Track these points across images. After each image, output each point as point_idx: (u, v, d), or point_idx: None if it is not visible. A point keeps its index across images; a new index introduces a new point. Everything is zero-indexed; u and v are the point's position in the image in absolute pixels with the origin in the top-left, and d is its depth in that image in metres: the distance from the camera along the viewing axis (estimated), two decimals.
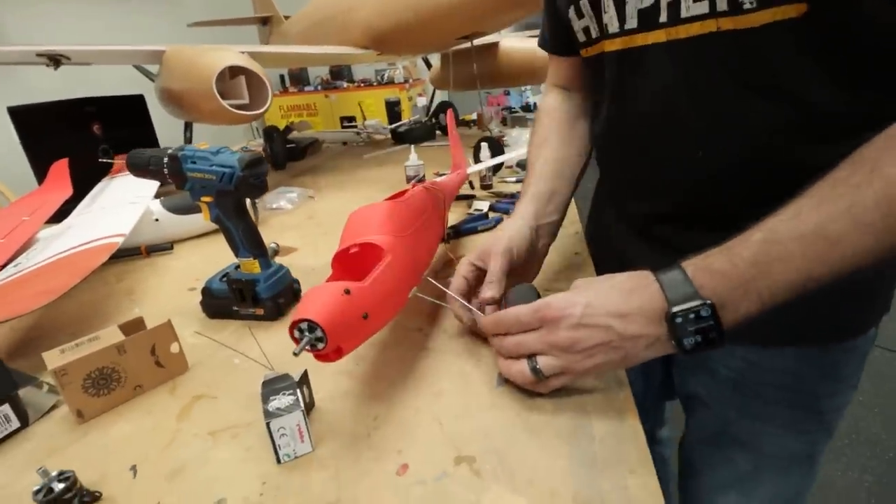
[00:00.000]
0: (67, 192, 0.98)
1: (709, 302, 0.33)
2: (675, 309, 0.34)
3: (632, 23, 0.45)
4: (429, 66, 1.94)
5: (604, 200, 0.66)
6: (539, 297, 0.45)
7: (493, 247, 0.50)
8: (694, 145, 0.45)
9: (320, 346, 0.36)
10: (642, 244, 0.56)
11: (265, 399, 0.37)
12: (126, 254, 0.84)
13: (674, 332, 0.34)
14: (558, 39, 0.61)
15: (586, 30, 0.52)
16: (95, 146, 1.20)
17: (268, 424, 0.35)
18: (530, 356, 0.39)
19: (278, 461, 0.37)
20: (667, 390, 0.71)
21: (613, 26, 0.47)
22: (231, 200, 0.54)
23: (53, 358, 0.43)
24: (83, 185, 1.03)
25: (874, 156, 0.31)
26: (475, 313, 0.48)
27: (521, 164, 1.17)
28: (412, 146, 1.09)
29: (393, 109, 1.97)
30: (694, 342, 0.34)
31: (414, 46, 1.38)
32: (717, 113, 0.43)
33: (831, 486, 1.34)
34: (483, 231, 0.81)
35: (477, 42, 1.26)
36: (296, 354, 0.35)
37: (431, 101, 1.99)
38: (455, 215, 0.91)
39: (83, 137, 1.19)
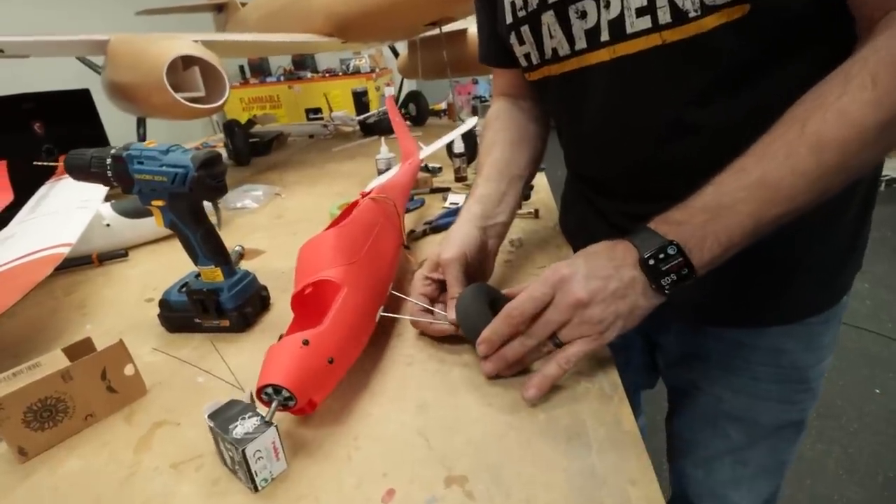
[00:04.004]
0: (7, 197, 0.89)
1: (674, 241, 0.36)
2: (646, 255, 0.37)
3: (581, 44, 0.45)
4: (396, 54, 1.88)
5: (575, 196, 0.65)
6: (491, 292, 0.46)
7: (444, 254, 0.48)
8: (648, 151, 0.47)
9: (291, 404, 0.36)
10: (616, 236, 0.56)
11: (224, 430, 0.33)
12: (76, 263, 0.77)
13: (651, 275, 0.37)
14: (500, 54, 0.60)
15: (527, 56, 0.51)
16: (37, 146, 1.11)
17: (243, 452, 0.32)
18: (551, 336, 0.39)
19: (256, 489, 0.33)
20: (645, 378, 0.72)
21: (564, 49, 0.47)
22: (186, 204, 0.49)
23: None
24: (25, 189, 0.94)
25: (804, 115, 0.35)
26: (445, 316, 0.46)
27: None
28: (382, 138, 1.04)
29: (360, 100, 1.90)
30: (670, 281, 0.37)
31: (380, 33, 1.33)
32: (668, 121, 0.44)
33: (801, 458, 1.39)
34: None
35: (446, 28, 1.22)
36: (267, 422, 0.34)
37: (400, 90, 1.94)
38: (430, 209, 0.88)
39: (23, 137, 1.10)
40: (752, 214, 0.36)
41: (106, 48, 1.01)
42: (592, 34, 0.44)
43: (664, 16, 0.39)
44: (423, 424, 0.38)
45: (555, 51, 0.48)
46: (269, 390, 0.36)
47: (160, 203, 0.49)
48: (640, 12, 0.40)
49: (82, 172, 0.49)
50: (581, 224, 0.64)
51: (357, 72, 3.55)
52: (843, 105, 0.34)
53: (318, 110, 2.32)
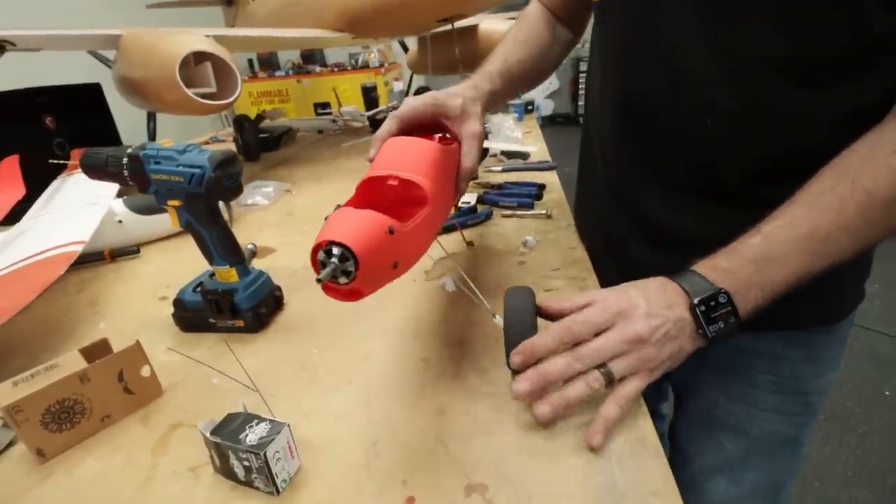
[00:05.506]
0: (20, 191, 0.90)
1: (724, 290, 0.36)
2: (696, 300, 0.36)
3: None
4: (405, 48, 1.87)
5: (593, 187, 0.64)
6: (534, 296, 0.42)
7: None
8: (710, 118, 0.43)
9: (343, 280, 0.31)
10: (627, 223, 0.56)
11: (234, 441, 0.33)
12: (88, 259, 0.78)
13: (698, 321, 0.37)
14: None
15: None
16: (49, 140, 1.11)
17: (265, 455, 0.32)
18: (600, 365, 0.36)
19: (277, 492, 0.33)
20: None
21: None
22: (202, 204, 0.49)
23: (5, 393, 0.38)
24: (37, 183, 0.94)
25: (856, 167, 0.36)
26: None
27: (507, 154, 1.14)
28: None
29: (369, 95, 1.89)
30: (717, 329, 0.36)
31: (392, 29, 1.31)
32: (750, 92, 0.41)
33: (809, 460, 1.38)
34: (473, 226, 0.77)
35: (458, 24, 1.20)
36: (319, 281, 0.30)
37: (409, 85, 1.93)
38: None
39: (34, 131, 1.10)
40: (798, 268, 0.37)
41: (118, 43, 1.01)
42: None
43: None
44: (442, 431, 0.38)
45: None
46: (337, 252, 0.31)
47: (176, 203, 0.49)
48: None
49: (98, 171, 0.49)
50: (599, 219, 0.63)
51: (366, 66, 3.54)
52: None
53: (326, 104, 2.31)
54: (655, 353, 0.36)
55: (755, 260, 0.37)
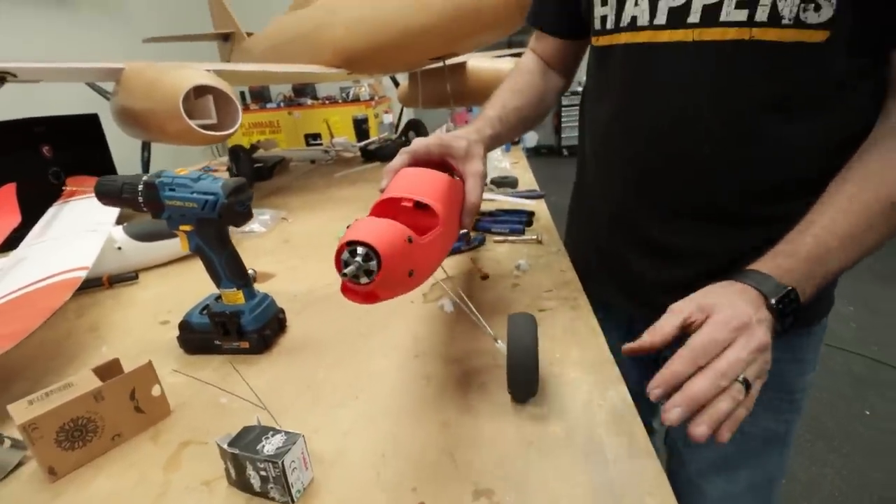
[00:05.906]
0: (16, 219, 0.91)
1: (791, 288, 0.40)
2: (773, 300, 0.39)
3: (661, 18, 0.48)
4: (396, 83, 1.94)
5: (588, 209, 0.68)
6: (536, 323, 0.43)
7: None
8: (707, 149, 0.50)
9: (363, 280, 0.34)
10: (622, 238, 0.61)
11: (252, 452, 0.35)
12: (86, 285, 0.78)
13: (775, 317, 0.39)
14: (555, 19, 0.64)
15: (603, 19, 0.54)
16: (45, 169, 1.13)
17: (282, 464, 0.33)
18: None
19: (292, 502, 0.35)
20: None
21: (643, 19, 0.49)
22: (213, 229, 0.52)
23: (21, 411, 0.38)
24: (32, 211, 0.95)
25: (876, 175, 0.42)
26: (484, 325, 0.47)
27: (496, 182, 1.18)
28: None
29: (361, 127, 1.95)
30: (789, 323, 0.40)
31: (386, 66, 1.38)
32: (741, 126, 0.47)
33: (796, 480, 1.41)
34: (467, 251, 0.80)
35: (447, 62, 1.27)
36: (345, 276, 0.33)
37: (399, 118, 2.00)
38: None
39: (31, 160, 1.11)
40: (841, 263, 0.42)
41: (120, 76, 1.04)
42: (677, 13, 0.46)
43: (762, 14, 0.42)
44: (447, 442, 0.40)
45: (634, 19, 0.50)
46: (362, 251, 0.33)
47: (188, 228, 0.51)
48: (740, 4, 0.43)
49: (113, 198, 0.51)
50: (592, 233, 0.68)
51: (357, 99, 3.63)
52: None
53: (317, 136, 2.37)
54: (770, 356, 0.38)
55: (809, 258, 0.41)
